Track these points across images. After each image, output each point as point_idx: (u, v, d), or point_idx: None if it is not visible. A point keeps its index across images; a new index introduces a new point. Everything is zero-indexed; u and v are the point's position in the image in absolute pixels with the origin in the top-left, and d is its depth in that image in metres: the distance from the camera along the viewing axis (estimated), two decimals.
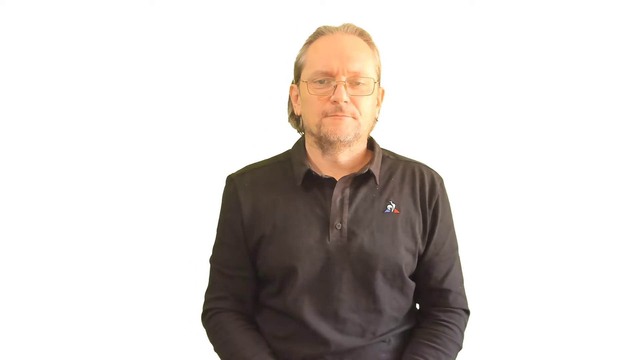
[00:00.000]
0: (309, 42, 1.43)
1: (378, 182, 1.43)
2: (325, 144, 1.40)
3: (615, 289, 2.31)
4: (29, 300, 2.29)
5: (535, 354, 2.30)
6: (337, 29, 1.42)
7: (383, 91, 1.49)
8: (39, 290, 2.29)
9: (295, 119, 1.52)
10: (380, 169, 1.45)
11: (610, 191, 2.33)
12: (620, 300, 2.31)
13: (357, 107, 1.38)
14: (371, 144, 1.50)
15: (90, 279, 2.31)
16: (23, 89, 2.28)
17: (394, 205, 1.42)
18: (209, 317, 1.49)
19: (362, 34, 1.43)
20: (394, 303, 1.42)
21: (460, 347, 1.47)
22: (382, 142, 1.52)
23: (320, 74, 1.37)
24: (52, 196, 2.30)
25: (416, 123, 2.28)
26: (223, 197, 1.51)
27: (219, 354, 1.46)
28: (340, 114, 1.36)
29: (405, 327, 1.46)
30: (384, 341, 1.42)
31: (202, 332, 1.51)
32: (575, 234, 2.32)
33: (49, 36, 2.27)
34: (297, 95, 1.46)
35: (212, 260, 1.52)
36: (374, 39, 1.45)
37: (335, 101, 1.35)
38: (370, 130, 1.49)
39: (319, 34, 1.42)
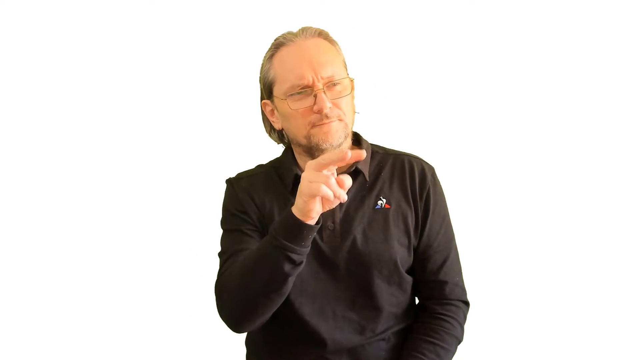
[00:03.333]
0: (271, 56, 1.39)
1: (368, 179, 1.42)
2: (317, 151, 1.37)
3: (614, 284, 2.27)
4: (29, 301, 2.32)
5: (535, 348, 2.27)
6: (295, 35, 1.38)
7: (352, 81, 1.43)
8: (39, 291, 2.32)
9: (276, 133, 1.49)
10: (370, 164, 1.44)
11: (607, 188, 2.29)
12: (619, 295, 2.27)
13: (340, 109, 1.35)
14: (357, 139, 1.48)
15: (90, 280, 2.33)
16: (23, 89, 2.29)
17: (384, 200, 1.41)
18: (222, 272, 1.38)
19: (320, 33, 1.39)
20: (393, 299, 1.41)
21: (459, 340, 1.45)
22: (383, 140, 1.51)
23: (297, 87, 1.34)
24: (52, 198, 2.32)
25: (416, 123, 2.25)
26: (227, 196, 1.48)
27: (241, 281, 1.27)
28: (327, 121, 1.33)
29: (404, 324, 1.44)
30: (383, 339, 1.41)
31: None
32: (573, 228, 2.29)
33: (49, 36, 2.28)
34: (272, 110, 1.43)
35: (225, 248, 1.41)
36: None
37: (319, 110, 1.33)
38: (353, 123, 1.46)
39: (279, 45, 1.38)
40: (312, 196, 1.11)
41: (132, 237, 2.33)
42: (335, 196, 1.11)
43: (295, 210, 1.16)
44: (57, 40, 2.29)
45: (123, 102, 2.33)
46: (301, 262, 1.20)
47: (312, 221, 1.16)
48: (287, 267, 1.18)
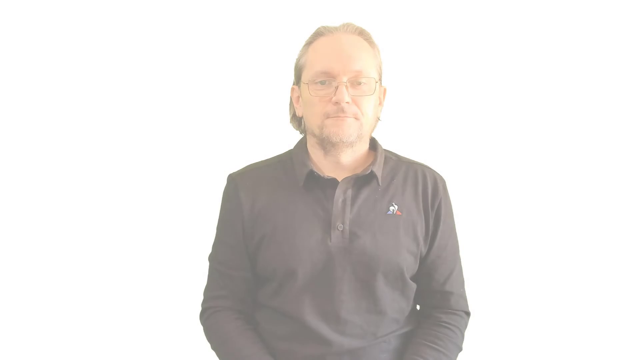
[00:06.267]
0: (309, 43, 1.42)
1: (380, 183, 1.42)
2: (328, 145, 1.39)
3: (615, 290, 2.32)
4: (29, 301, 2.28)
5: (535, 356, 2.31)
6: (336, 28, 1.40)
7: (385, 90, 1.47)
8: (38, 291, 2.28)
9: (297, 121, 1.51)
10: (383, 170, 1.45)
11: (610, 192, 2.33)
12: (620, 301, 2.32)
13: (359, 107, 1.36)
14: (374, 144, 1.49)
15: (90, 278, 2.30)
16: (23, 89, 2.26)
17: (396, 206, 1.42)
18: (207, 316, 1.48)
19: (362, 33, 1.41)
20: (395, 305, 1.42)
21: (460, 349, 1.47)
22: (384, 143, 1.52)
23: (321, 74, 1.35)
24: (52, 197, 2.28)
25: (417, 123, 2.27)
26: (223, 196, 1.49)
27: (216, 353, 1.46)
28: (342, 115, 1.34)
29: (406, 329, 1.45)
30: (384, 342, 1.42)
31: (200, 330, 1.50)
32: (576, 235, 2.32)
33: (48, 36, 2.25)
34: (298, 97, 1.45)
35: (212, 258, 1.51)
36: (375, 38, 1.44)
37: (336, 102, 1.34)
38: (373, 130, 1.47)
39: (318, 34, 1.41)
40: None
41: (131, 235, 2.31)
42: None
43: None
44: (57, 40, 2.26)
45: (124, 101, 2.31)
46: None
47: None
48: None
